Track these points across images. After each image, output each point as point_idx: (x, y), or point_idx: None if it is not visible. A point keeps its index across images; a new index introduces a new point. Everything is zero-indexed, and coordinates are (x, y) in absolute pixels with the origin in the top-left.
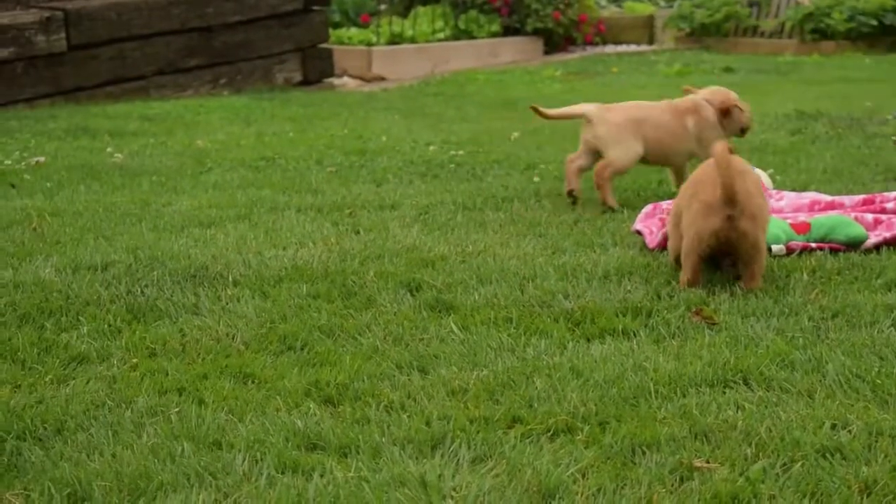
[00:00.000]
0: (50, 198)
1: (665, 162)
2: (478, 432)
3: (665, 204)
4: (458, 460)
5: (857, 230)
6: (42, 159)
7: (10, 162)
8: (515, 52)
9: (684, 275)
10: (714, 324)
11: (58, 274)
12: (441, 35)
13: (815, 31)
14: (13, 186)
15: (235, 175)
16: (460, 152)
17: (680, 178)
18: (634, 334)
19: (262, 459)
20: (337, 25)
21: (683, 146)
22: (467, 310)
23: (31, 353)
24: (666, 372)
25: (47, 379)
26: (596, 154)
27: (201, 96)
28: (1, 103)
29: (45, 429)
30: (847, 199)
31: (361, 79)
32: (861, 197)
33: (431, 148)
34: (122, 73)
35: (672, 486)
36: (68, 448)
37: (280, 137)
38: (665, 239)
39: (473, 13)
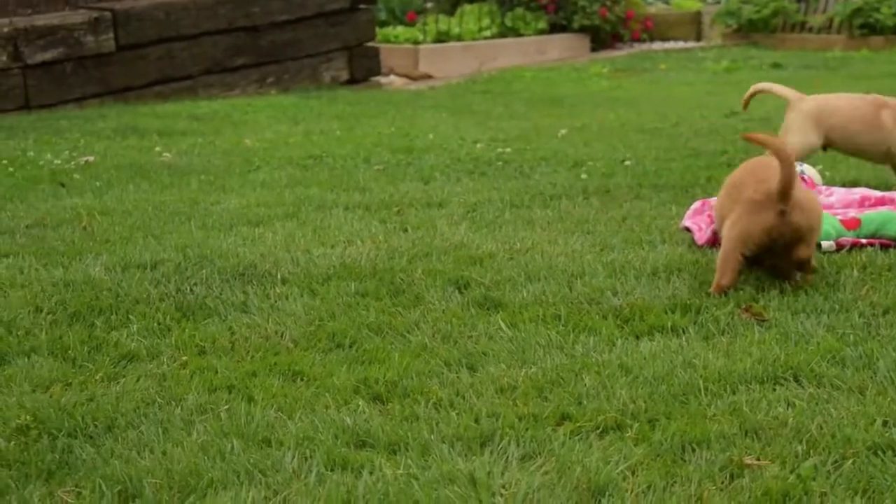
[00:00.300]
0: (99, 197)
1: (861, 154)
2: (527, 429)
3: (714, 200)
4: (507, 457)
5: None
6: (91, 158)
7: (59, 161)
8: (562, 49)
9: (721, 278)
10: (764, 320)
11: (108, 272)
12: (487, 33)
13: (863, 26)
14: (63, 185)
15: (283, 173)
16: (508, 150)
17: None
18: (683, 331)
19: (311, 457)
20: (383, 24)
21: (877, 139)
22: (515, 307)
23: (82, 351)
24: (716, 369)
25: (98, 377)
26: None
27: (248, 95)
28: (51, 103)
29: (96, 426)
30: None
31: (408, 77)
32: None
33: (479, 145)
34: (170, 73)
35: (722, 483)
36: (119, 445)
37: (327, 136)
38: (714, 236)
39: (520, 10)
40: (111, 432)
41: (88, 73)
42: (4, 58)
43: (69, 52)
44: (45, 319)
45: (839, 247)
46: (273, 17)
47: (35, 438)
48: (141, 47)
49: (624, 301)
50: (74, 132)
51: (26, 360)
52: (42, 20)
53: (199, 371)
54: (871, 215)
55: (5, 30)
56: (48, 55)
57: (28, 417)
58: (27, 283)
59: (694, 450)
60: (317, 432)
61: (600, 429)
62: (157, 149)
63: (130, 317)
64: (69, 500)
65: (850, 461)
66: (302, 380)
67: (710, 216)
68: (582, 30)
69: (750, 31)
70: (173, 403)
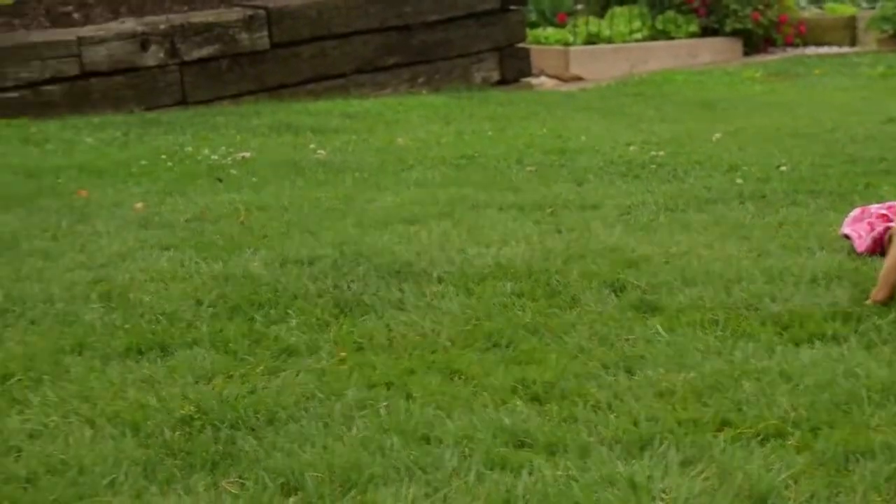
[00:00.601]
0: (256, 192)
1: None
2: (686, 434)
3: (874, 208)
4: (667, 462)
5: None
6: (248, 154)
7: (216, 157)
8: (714, 52)
9: (878, 292)
10: None
11: (266, 267)
12: (638, 35)
13: None
14: (220, 181)
15: (436, 173)
16: (661, 153)
17: None
18: (844, 340)
19: (470, 455)
20: (534, 25)
21: None
22: (672, 311)
23: (243, 345)
24: (879, 379)
25: (259, 370)
26: None
27: (399, 95)
28: (207, 99)
29: (258, 419)
30: None
31: (559, 78)
32: None
33: (631, 148)
34: (323, 71)
35: (888, 495)
36: (280, 438)
37: (479, 136)
38: (874, 244)
39: (671, 13)
40: (272, 425)
41: (243, 71)
42: (162, 54)
43: (225, 49)
44: (205, 312)
45: None
46: (424, 17)
47: (199, 429)
48: (294, 45)
49: (783, 308)
50: (230, 128)
51: (188, 351)
52: (198, 17)
53: (357, 367)
54: None
55: (162, 27)
56: (204, 52)
57: (192, 408)
58: (188, 276)
59: (858, 460)
60: (476, 431)
61: (761, 436)
62: (312, 146)
63: (289, 312)
64: (233, 491)
65: None
66: (460, 378)
67: (869, 224)
68: (734, 34)
69: None
70: (333, 398)
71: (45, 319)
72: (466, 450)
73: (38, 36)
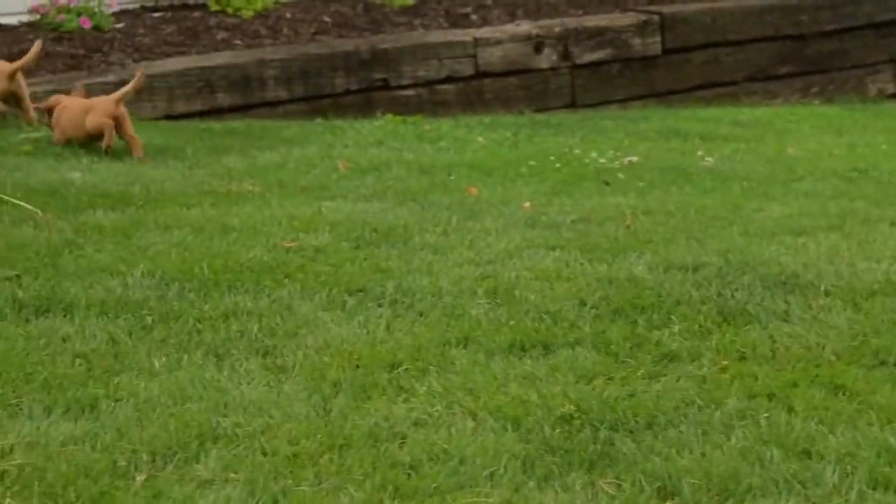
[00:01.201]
0: (642, 197)
1: None
2: None
3: None
4: None
5: None
6: (635, 159)
7: (604, 160)
8: None
9: None
10: None
11: (650, 272)
12: None
13: None
14: (607, 184)
15: (827, 185)
16: None
17: None
18: None
19: (852, 473)
20: None
21: None
22: None
23: (624, 347)
24: None
25: (639, 374)
26: None
27: (790, 104)
28: (595, 103)
29: (637, 422)
30: None
31: None
32: None
33: None
34: (714, 78)
35: None
36: (658, 443)
37: (873, 149)
38: None
39: None
40: (651, 429)
41: (634, 75)
42: (554, 57)
43: (616, 53)
44: (588, 313)
45: None
46: (821, 27)
47: (578, 428)
48: (686, 51)
49: None
50: (618, 132)
51: (570, 351)
52: (592, 21)
53: (738, 376)
54: None
55: (557, 30)
56: (596, 56)
57: (572, 407)
58: (572, 276)
59: None
60: (859, 449)
61: None
62: (699, 153)
63: (672, 317)
64: (609, 492)
65: None
66: (844, 394)
67: None
68: None
69: None
70: (713, 406)
71: (432, 312)
72: (849, 467)
73: (435, 36)
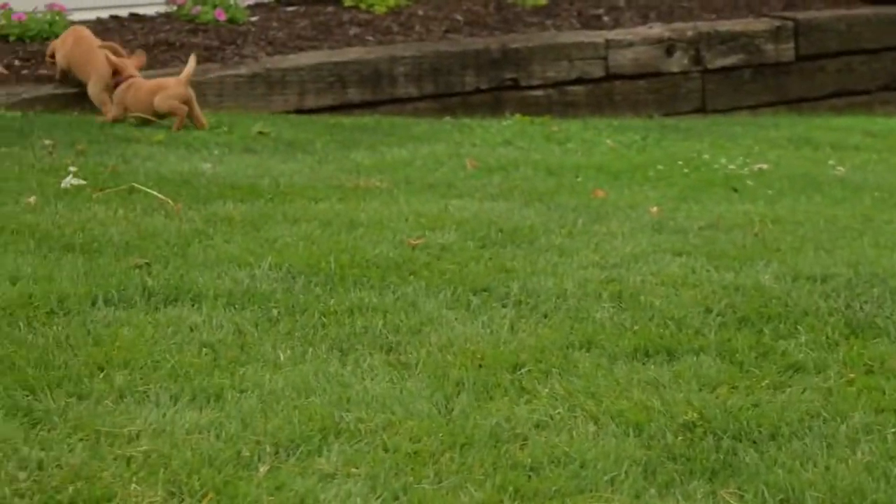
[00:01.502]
0: (771, 205)
1: None
2: None
3: None
4: None
5: None
6: (765, 166)
7: (733, 167)
8: None
9: None
10: None
11: (777, 281)
12: None
13: None
14: (736, 190)
15: None
16: None
17: None
18: None
19: None
20: None
21: None
22: None
23: (749, 357)
24: None
25: (763, 383)
26: None
27: None
28: (725, 108)
29: (760, 432)
30: None
31: None
32: None
33: None
34: (847, 87)
35: None
36: (782, 454)
37: None
38: None
39: None
40: (774, 440)
41: (765, 81)
42: (686, 61)
43: (748, 58)
44: (714, 321)
45: None
46: None
47: (700, 436)
48: (819, 58)
49: None
50: (748, 138)
51: (694, 358)
52: (725, 26)
53: (865, 390)
54: None
55: (689, 34)
56: (728, 61)
57: (695, 415)
58: (698, 283)
59: None
60: None
61: None
62: (830, 162)
63: (798, 327)
64: (731, 502)
65: None
66: None
67: None
68: None
69: None
70: (838, 419)
71: (556, 314)
72: None
73: (566, 37)
